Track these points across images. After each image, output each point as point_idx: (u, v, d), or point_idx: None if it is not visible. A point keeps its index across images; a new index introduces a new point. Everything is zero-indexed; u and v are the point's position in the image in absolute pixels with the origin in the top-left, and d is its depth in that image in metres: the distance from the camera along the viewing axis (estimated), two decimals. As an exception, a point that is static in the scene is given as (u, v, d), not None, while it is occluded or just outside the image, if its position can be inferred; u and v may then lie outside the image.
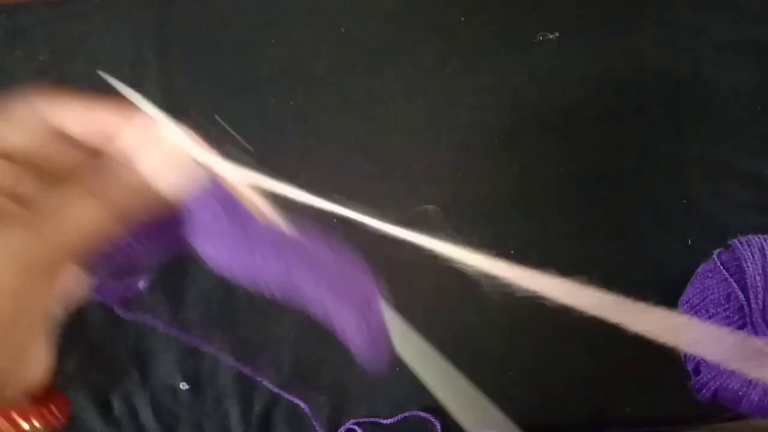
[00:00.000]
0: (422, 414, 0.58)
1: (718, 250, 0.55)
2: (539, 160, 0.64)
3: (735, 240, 0.54)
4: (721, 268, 0.53)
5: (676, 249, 0.61)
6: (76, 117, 0.31)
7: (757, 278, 0.51)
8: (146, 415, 0.60)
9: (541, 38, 0.66)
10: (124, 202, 0.29)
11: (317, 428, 0.58)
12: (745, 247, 0.53)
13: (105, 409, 0.60)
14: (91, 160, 0.31)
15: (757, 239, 0.53)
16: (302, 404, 0.59)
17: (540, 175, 0.63)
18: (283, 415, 0.60)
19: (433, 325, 0.57)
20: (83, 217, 0.28)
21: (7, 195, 0.29)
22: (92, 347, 0.60)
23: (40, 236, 0.27)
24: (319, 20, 0.68)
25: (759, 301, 0.51)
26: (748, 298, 0.51)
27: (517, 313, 0.59)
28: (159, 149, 0.30)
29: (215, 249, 0.29)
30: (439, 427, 0.57)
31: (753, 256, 0.52)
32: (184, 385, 0.60)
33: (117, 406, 0.60)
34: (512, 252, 0.61)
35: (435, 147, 0.64)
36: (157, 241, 0.31)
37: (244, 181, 0.31)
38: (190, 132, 0.31)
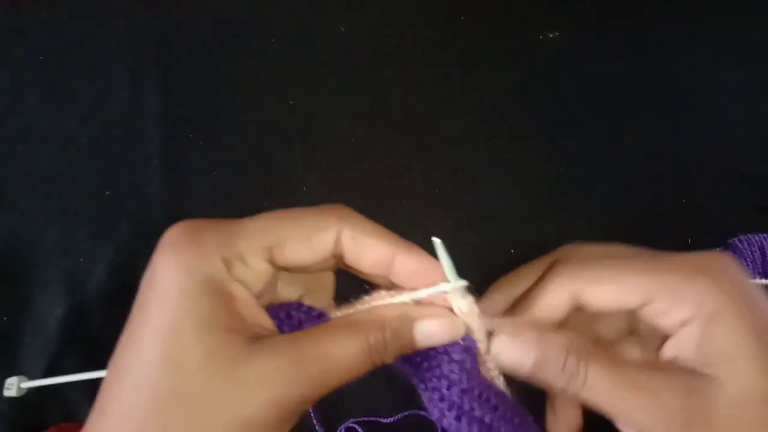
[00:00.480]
0: (422, 413, 0.58)
1: (718, 250, 0.55)
2: (539, 160, 0.64)
3: (735, 239, 0.54)
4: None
5: (676, 249, 0.61)
6: (372, 248, 0.29)
7: (757, 277, 0.51)
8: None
9: (541, 38, 0.66)
10: (387, 347, 0.28)
11: (317, 428, 0.58)
12: (745, 246, 0.53)
13: (105, 409, 0.60)
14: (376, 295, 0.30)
15: (757, 239, 0.53)
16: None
17: (540, 175, 0.63)
18: (283, 415, 0.60)
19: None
20: (346, 358, 0.26)
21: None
22: (92, 347, 0.60)
23: (301, 371, 0.25)
24: (319, 20, 0.68)
25: (759, 301, 0.51)
26: (748, 298, 0.51)
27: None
28: (442, 309, 0.29)
29: (445, 395, 0.29)
30: (439, 427, 0.57)
31: (753, 256, 0.52)
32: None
33: (117, 406, 0.60)
34: (512, 251, 0.61)
35: (435, 147, 0.64)
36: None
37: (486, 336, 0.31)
38: (473, 300, 0.30)
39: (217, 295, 0.26)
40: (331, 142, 0.65)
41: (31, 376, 0.59)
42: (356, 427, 0.58)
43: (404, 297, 0.29)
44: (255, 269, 0.27)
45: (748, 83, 0.65)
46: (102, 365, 0.62)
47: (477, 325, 0.30)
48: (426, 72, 0.66)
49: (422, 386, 0.30)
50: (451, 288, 0.29)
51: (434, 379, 0.29)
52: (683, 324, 0.28)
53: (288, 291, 0.31)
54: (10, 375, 0.59)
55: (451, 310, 0.30)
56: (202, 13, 0.68)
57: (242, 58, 0.67)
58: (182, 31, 0.68)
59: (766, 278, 0.51)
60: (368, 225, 0.29)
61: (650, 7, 0.67)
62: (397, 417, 0.58)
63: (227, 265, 0.26)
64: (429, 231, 0.33)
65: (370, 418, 0.58)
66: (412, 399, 0.59)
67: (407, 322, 0.28)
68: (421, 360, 0.30)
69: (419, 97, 0.65)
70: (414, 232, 0.31)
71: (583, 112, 0.65)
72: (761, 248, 0.52)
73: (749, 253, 0.52)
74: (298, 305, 0.30)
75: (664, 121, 0.64)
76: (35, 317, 0.60)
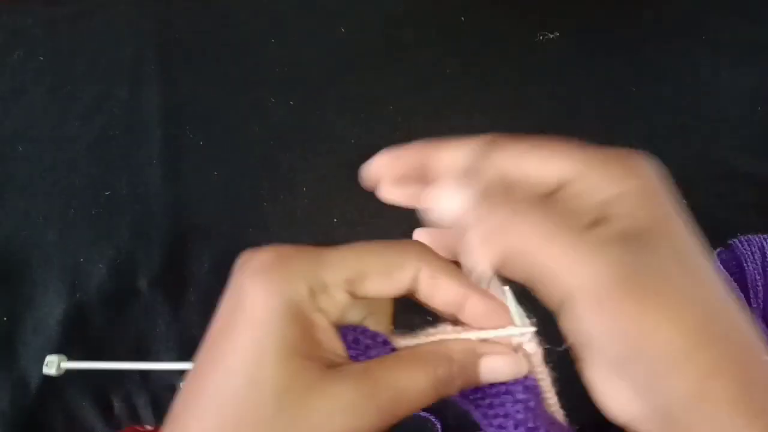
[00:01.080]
0: (422, 414, 0.58)
1: (718, 250, 0.55)
2: (539, 160, 0.64)
3: (735, 240, 0.54)
4: (721, 267, 0.53)
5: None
6: (449, 289, 0.30)
7: (757, 278, 0.51)
8: (146, 415, 0.60)
9: (541, 38, 0.66)
10: (453, 380, 0.28)
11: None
12: (745, 246, 0.53)
13: (105, 409, 0.60)
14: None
15: (757, 239, 0.53)
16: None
17: (540, 175, 0.63)
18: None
19: (435, 324, 0.56)
20: (415, 390, 0.27)
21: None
22: (92, 347, 0.60)
23: (373, 402, 0.26)
24: (319, 20, 0.68)
25: (759, 301, 0.51)
26: (748, 298, 0.51)
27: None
28: (506, 347, 0.30)
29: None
30: (439, 427, 0.57)
31: (753, 256, 0.52)
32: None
33: (117, 406, 0.60)
34: (512, 252, 0.61)
35: (435, 147, 0.64)
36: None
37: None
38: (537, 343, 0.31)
39: (301, 323, 0.27)
40: (331, 142, 0.64)
41: (31, 376, 0.59)
42: (356, 427, 0.58)
43: (471, 335, 0.30)
44: (336, 299, 0.28)
45: (748, 83, 0.65)
46: (102, 365, 0.60)
47: (540, 365, 0.31)
48: (426, 72, 0.66)
49: (486, 422, 0.31)
50: (519, 332, 0.30)
51: (500, 418, 0.30)
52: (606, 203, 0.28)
53: (351, 314, 0.31)
54: (10, 375, 0.59)
55: (515, 350, 0.31)
56: (202, 13, 0.68)
57: (242, 58, 0.67)
58: (182, 31, 0.68)
59: (766, 278, 0.51)
60: (446, 265, 0.30)
61: (650, 8, 0.67)
62: (397, 417, 0.58)
63: (312, 293, 0.27)
64: (429, 231, 0.33)
65: (370, 418, 0.58)
66: (412, 399, 0.59)
67: (473, 357, 0.29)
68: (482, 396, 0.31)
69: (419, 97, 0.65)
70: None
71: (583, 112, 0.65)
72: (761, 248, 0.52)
73: (749, 253, 0.52)
74: (363, 330, 0.31)
75: (664, 121, 0.64)
76: (35, 317, 0.60)
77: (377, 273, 0.29)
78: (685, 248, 0.27)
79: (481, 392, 0.31)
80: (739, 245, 0.53)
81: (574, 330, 0.27)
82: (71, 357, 0.60)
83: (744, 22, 0.67)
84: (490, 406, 0.31)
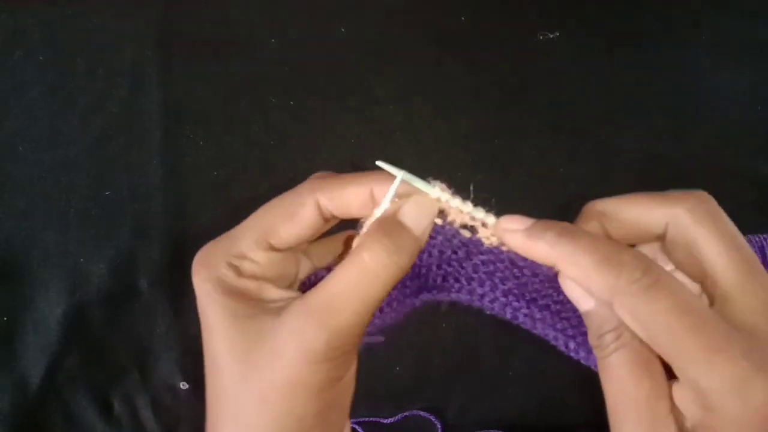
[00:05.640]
0: (422, 414, 0.58)
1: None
2: (539, 159, 0.64)
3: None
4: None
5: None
6: (350, 197, 0.32)
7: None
8: (146, 415, 0.60)
9: (541, 38, 0.66)
10: (388, 249, 0.30)
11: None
12: (745, 246, 0.53)
13: (105, 409, 0.60)
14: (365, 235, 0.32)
15: (757, 239, 0.53)
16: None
17: (540, 174, 0.63)
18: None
19: (434, 324, 0.57)
20: (348, 287, 0.29)
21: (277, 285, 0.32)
22: (92, 347, 0.60)
23: (311, 320, 0.28)
24: (319, 20, 0.68)
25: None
26: (748, 298, 0.51)
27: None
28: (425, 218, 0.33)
29: (489, 288, 0.35)
30: (439, 427, 0.58)
31: (753, 256, 0.52)
32: (184, 385, 0.60)
33: (117, 406, 0.60)
34: (512, 252, 0.61)
35: (435, 147, 0.64)
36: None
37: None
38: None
39: (231, 293, 0.31)
40: (331, 142, 0.65)
41: (31, 376, 0.59)
42: (357, 427, 0.58)
43: (384, 204, 0.32)
44: (260, 260, 0.32)
45: (748, 83, 0.65)
46: (102, 365, 0.61)
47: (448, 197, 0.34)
48: (426, 72, 0.66)
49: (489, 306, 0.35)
50: (399, 174, 0.33)
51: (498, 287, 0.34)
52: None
53: (325, 259, 0.35)
54: (10, 375, 0.59)
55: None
56: (202, 13, 0.68)
57: (242, 58, 0.67)
58: (182, 31, 0.68)
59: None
60: (339, 180, 0.33)
61: (650, 8, 0.67)
62: (397, 417, 0.58)
63: (232, 267, 0.32)
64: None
65: (370, 419, 0.58)
66: (412, 399, 0.59)
67: (388, 218, 0.31)
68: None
69: (419, 97, 0.66)
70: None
71: (583, 112, 0.65)
72: (761, 248, 0.52)
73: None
74: (318, 271, 0.34)
75: (664, 120, 0.64)
76: (35, 317, 0.60)
77: (281, 219, 0.32)
78: None
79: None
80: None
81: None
82: (71, 357, 0.60)
83: (744, 22, 0.67)
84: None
